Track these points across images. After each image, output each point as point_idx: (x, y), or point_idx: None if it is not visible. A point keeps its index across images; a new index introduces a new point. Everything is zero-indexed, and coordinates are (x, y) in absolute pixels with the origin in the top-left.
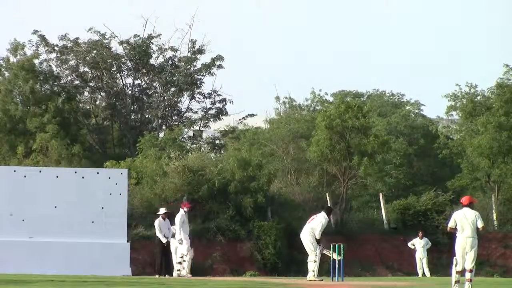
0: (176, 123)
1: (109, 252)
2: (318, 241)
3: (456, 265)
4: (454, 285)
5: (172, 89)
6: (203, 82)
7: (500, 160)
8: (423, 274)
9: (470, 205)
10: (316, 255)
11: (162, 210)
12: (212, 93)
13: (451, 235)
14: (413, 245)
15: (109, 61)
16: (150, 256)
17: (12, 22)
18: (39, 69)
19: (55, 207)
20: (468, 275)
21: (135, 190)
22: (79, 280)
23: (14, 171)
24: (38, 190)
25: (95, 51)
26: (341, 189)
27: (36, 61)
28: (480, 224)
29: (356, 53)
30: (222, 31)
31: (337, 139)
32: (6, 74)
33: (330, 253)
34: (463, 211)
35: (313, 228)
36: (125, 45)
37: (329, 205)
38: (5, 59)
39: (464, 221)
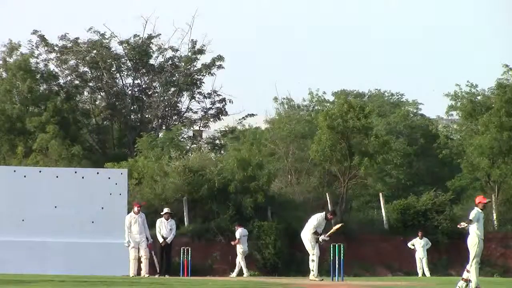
0: (176, 123)
1: (109, 252)
2: (317, 236)
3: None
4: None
5: (172, 89)
6: (203, 82)
7: (500, 160)
8: (423, 274)
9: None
10: (314, 254)
11: (165, 210)
12: (212, 93)
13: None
14: (413, 245)
15: (109, 61)
16: (150, 256)
17: (12, 22)
18: (35, 68)
19: (55, 207)
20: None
21: (135, 190)
22: (79, 280)
23: (14, 171)
24: (38, 190)
25: (95, 51)
26: (341, 189)
27: (33, 61)
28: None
29: (356, 53)
30: (222, 31)
31: (338, 138)
32: (4, 74)
33: (336, 229)
34: None
35: (309, 226)
36: (125, 45)
37: (330, 207)
38: (3, 58)
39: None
